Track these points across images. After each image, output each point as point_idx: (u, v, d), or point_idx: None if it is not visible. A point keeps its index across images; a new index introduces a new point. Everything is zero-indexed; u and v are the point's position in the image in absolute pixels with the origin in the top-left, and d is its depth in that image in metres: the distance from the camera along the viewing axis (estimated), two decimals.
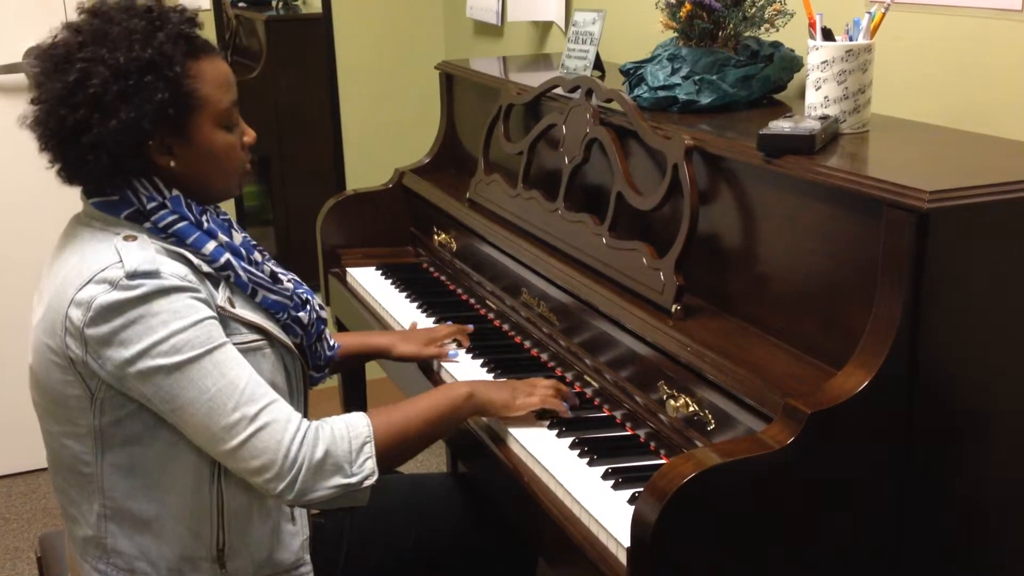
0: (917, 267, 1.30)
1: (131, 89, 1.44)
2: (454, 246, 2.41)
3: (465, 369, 1.96)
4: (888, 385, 1.32)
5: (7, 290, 3.30)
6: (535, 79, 2.22)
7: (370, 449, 1.53)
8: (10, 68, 3.20)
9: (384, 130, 3.62)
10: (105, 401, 1.48)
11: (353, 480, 1.51)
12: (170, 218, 1.51)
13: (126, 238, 1.48)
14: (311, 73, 3.63)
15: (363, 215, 2.62)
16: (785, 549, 1.34)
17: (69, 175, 1.54)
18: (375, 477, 1.53)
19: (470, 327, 2.08)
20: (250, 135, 1.60)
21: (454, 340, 2.04)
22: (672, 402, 1.59)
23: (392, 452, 1.57)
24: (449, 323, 2.11)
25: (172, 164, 1.52)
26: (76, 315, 1.43)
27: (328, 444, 1.50)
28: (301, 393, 1.66)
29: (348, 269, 2.54)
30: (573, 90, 2.02)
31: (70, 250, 1.51)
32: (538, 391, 1.73)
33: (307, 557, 1.66)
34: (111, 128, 1.44)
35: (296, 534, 1.65)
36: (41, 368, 1.50)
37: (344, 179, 3.64)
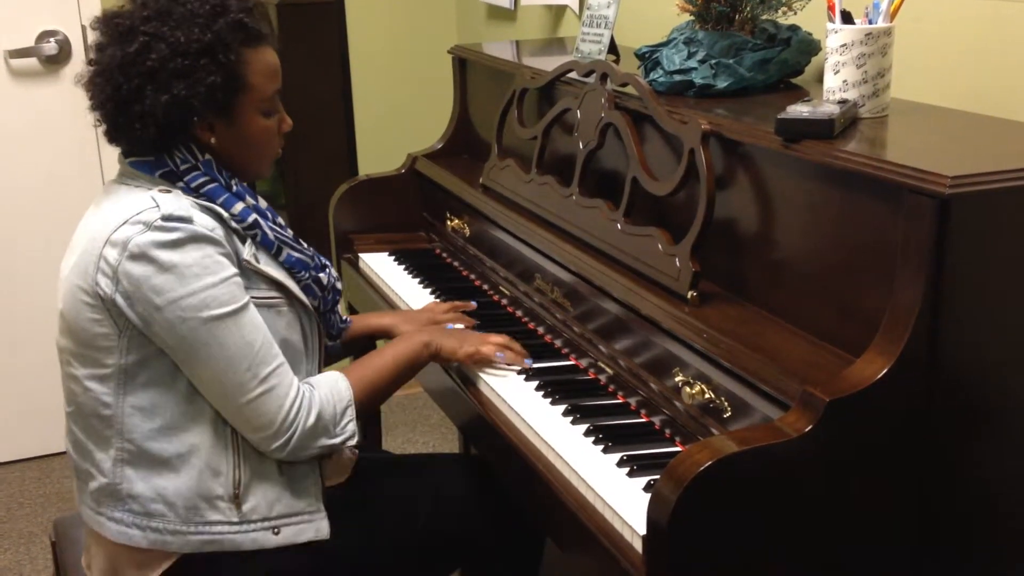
0: (937, 253, 1.29)
1: (186, 68, 1.55)
2: (467, 232, 2.40)
3: None
4: (907, 373, 1.31)
5: (23, 277, 3.30)
6: (549, 63, 2.21)
7: (351, 412, 1.68)
8: (23, 52, 3.20)
9: (397, 115, 3.61)
10: (132, 340, 1.57)
11: (337, 440, 1.67)
12: (201, 179, 1.61)
13: (161, 190, 1.58)
14: (323, 58, 3.62)
15: (376, 201, 2.61)
16: (802, 538, 1.33)
17: (113, 136, 1.65)
18: (356, 438, 1.69)
19: (472, 304, 2.12)
20: (287, 123, 1.73)
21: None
22: (688, 389, 1.58)
23: (366, 406, 1.75)
24: (449, 301, 2.14)
25: (212, 140, 1.63)
26: (111, 254, 1.54)
27: (319, 409, 1.64)
28: (317, 354, 1.75)
29: (361, 255, 2.53)
30: (588, 74, 2.00)
31: (106, 204, 1.61)
32: (487, 346, 1.83)
33: (321, 504, 1.70)
34: (162, 102, 1.56)
35: (308, 475, 1.69)
36: (71, 310, 1.59)
37: (356, 164, 3.63)
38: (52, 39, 3.22)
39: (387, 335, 2.07)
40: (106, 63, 1.58)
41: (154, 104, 1.55)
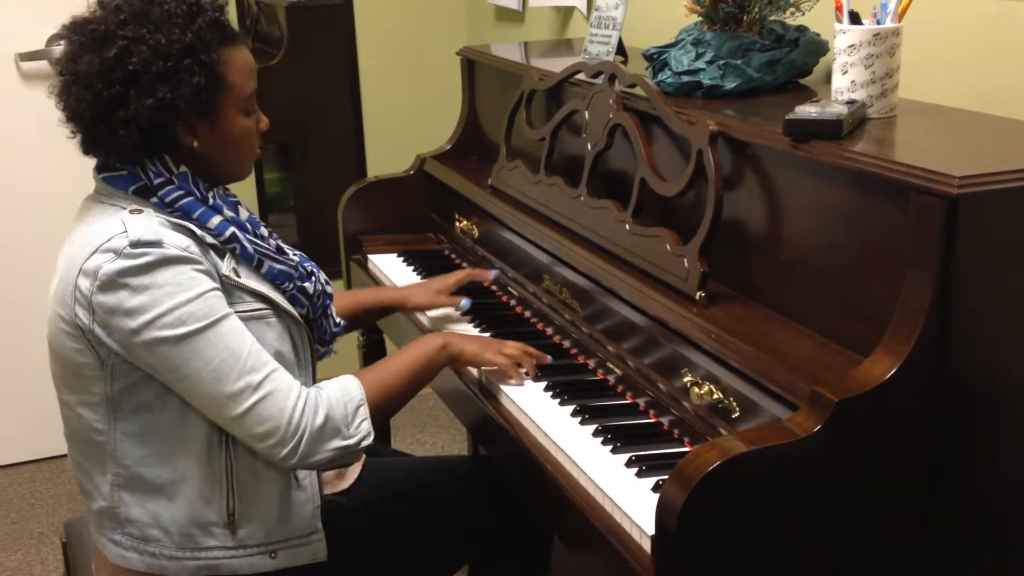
0: (946, 254, 1.29)
1: (170, 70, 1.52)
2: (476, 233, 2.40)
3: None
4: (916, 373, 1.31)
5: (31, 279, 3.32)
6: (557, 64, 2.21)
7: (364, 411, 1.62)
8: (33, 55, 3.21)
9: (405, 116, 3.61)
10: (115, 368, 1.54)
11: (351, 442, 1.60)
12: (176, 193, 1.57)
13: (132, 211, 1.54)
14: (332, 60, 3.63)
15: (384, 202, 2.62)
16: (810, 538, 1.33)
17: (91, 146, 1.60)
18: (371, 437, 1.62)
19: (489, 274, 2.14)
20: (264, 122, 1.68)
21: (466, 291, 2.11)
22: (696, 389, 1.58)
23: (382, 409, 1.68)
24: (460, 270, 2.16)
25: (195, 144, 1.59)
26: (84, 284, 1.51)
27: (327, 409, 1.58)
28: (308, 364, 1.71)
29: (369, 256, 2.54)
30: (596, 75, 2.01)
31: (81, 225, 1.58)
32: (506, 351, 1.81)
33: (319, 525, 1.68)
34: (147, 106, 1.51)
35: (306, 502, 1.67)
36: (54, 338, 1.57)
37: (365, 166, 3.64)
38: (62, 42, 3.22)
39: (398, 307, 2.09)
40: (83, 70, 1.52)
41: (138, 109, 1.50)
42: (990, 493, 1.41)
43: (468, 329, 2.06)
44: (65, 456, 3.37)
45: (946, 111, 1.70)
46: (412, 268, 2.43)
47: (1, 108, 3.22)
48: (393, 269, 2.44)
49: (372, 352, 2.54)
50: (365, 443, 1.62)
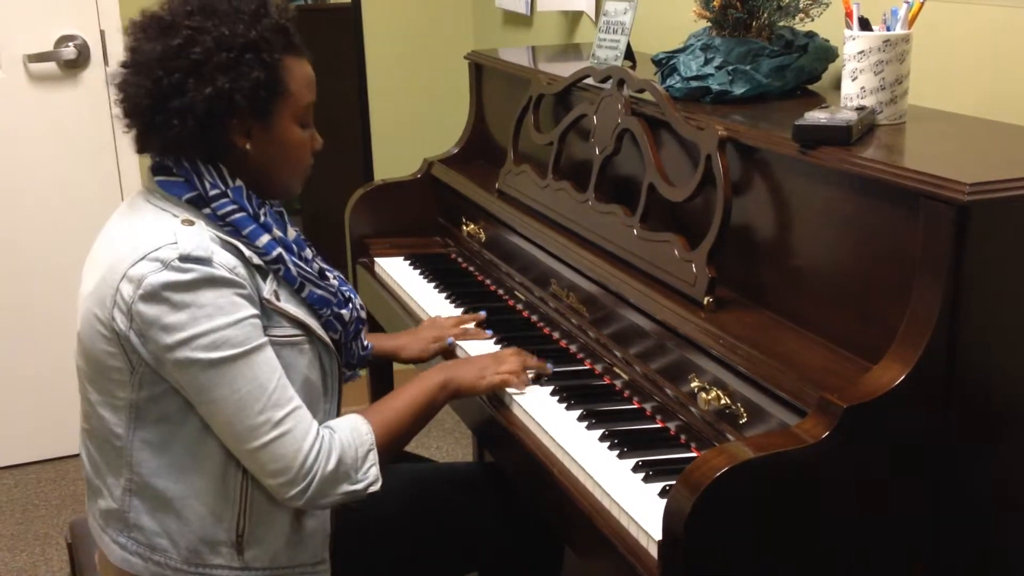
0: (955, 260, 1.29)
1: (231, 62, 1.52)
2: (483, 237, 2.40)
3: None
4: (925, 380, 1.30)
5: (39, 281, 3.32)
6: (565, 69, 2.21)
7: (374, 456, 1.61)
8: (41, 57, 3.22)
9: (413, 120, 3.62)
10: (144, 376, 1.52)
11: (359, 487, 1.59)
12: (229, 207, 1.56)
13: (184, 222, 1.53)
14: (339, 63, 3.63)
15: (391, 205, 2.62)
16: (818, 545, 1.33)
17: (145, 142, 1.59)
18: (379, 483, 1.61)
19: (481, 314, 2.10)
20: (318, 141, 1.68)
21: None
22: (704, 395, 1.58)
23: (390, 449, 1.66)
24: (455, 315, 2.13)
25: (248, 147, 1.57)
26: (127, 290, 1.49)
27: (340, 453, 1.56)
28: (335, 392, 1.69)
29: (376, 259, 2.54)
30: (604, 80, 2.01)
31: (129, 223, 1.56)
32: (504, 367, 1.80)
33: (326, 555, 1.67)
34: (205, 95, 1.51)
35: (317, 530, 1.66)
36: (87, 337, 1.55)
37: (372, 169, 3.64)
38: (71, 44, 3.23)
39: (394, 357, 2.05)
40: (144, 59, 1.53)
41: (195, 97, 1.50)
42: (1000, 500, 1.40)
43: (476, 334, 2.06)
44: (70, 457, 3.42)
45: (956, 118, 1.70)
46: (419, 272, 2.43)
47: (9, 109, 3.23)
48: (400, 273, 2.44)
49: (377, 371, 2.53)
50: (372, 489, 1.60)
